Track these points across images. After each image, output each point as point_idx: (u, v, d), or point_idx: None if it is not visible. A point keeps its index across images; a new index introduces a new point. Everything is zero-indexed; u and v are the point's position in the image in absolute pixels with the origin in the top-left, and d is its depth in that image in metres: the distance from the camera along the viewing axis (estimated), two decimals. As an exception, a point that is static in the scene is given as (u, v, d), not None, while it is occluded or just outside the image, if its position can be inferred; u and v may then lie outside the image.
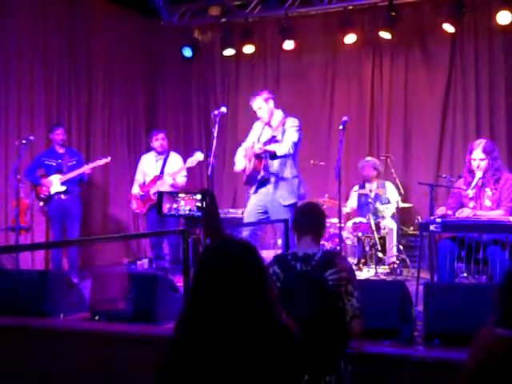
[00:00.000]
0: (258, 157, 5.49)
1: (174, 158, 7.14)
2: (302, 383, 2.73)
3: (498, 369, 1.76)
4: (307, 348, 2.76)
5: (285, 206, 5.47)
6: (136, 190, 7.10)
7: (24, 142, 6.31)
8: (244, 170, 5.70)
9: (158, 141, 7.09)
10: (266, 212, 5.59)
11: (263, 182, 5.55)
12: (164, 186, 6.79)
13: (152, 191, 6.89)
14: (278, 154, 5.44)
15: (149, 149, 7.38)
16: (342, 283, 2.82)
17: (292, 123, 5.58)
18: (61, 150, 6.88)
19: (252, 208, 5.60)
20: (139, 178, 7.18)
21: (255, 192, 5.59)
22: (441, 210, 4.98)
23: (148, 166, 7.15)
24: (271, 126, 5.64)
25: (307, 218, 3.05)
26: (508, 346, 1.78)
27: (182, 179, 6.96)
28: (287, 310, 2.82)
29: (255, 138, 5.68)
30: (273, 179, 5.51)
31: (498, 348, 1.78)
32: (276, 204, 5.49)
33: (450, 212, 4.96)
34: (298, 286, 2.84)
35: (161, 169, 7.03)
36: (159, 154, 7.11)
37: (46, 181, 6.71)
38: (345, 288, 2.82)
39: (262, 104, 5.64)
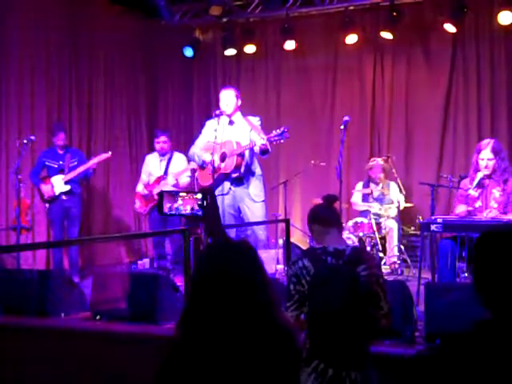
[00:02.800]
0: (239, 154, 5.47)
1: (178, 159, 7.10)
2: (325, 379, 2.71)
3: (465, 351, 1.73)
4: (333, 342, 2.75)
5: (258, 202, 5.56)
6: (140, 188, 7.12)
7: (25, 141, 6.31)
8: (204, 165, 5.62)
9: (159, 144, 7.08)
10: (239, 212, 5.62)
11: (237, 181, 5.55)
12: (167, 186, 6.79)
13: (155, 191, 6.88)
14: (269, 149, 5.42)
15: (152, 149, 7.38)
16: (372, 279, 2.76)
17: (258, 122, 5.65)
18: (61, 151, 6.86)
19: (224, 209, 5.55)
20: (144, 177, 7.17)
21: (227, 193, 5.58)
22: (461, 210, 4.92)
23: (152, 166, 7.14)
24: (232, 123, 5.63)
25: (330, 211, 2.97)
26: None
27: (185, 179, 6.93)
28: (317, 302, 2.80)
29: (218, 136, 5.40)
30: (246, 176, 5.55)
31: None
32: (250, 201, 5.56)
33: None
34: (329, 279, 2.78)
35: (164, 169, 7.02)
36: (162, 155, 7.11)
37: (47, 183, 6.71)
38: (376, 285, 2.78)
39: (232, 98, 5.64)
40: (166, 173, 6.99)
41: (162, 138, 7.08)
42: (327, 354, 2.71)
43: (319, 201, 3.22)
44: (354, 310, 2.73)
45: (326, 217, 2.96)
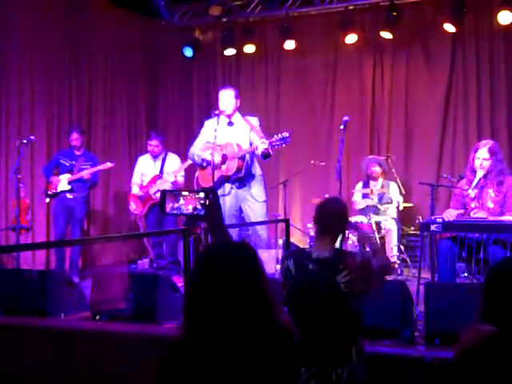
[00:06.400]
0: (241, 157, 5.48)
1: (173, 159, 7.18)
2: (311, 372, 2.74)
3: (479, 364, 1.77)
4: (312, 344, 2.77)
5: (260, 202, 5.58)
6: (136, 190, 7.13)
7: (25, 141, 6.32)
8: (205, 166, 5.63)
9: (151, 147, 7.15)
10: (240, 212, 5.65)
11: (237, 182, 5.55)
12: (165, 184, 6.81)
13: (152, 191, 6.91)
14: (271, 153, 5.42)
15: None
16: (355, 283, 2.79)
17: (257, 122, 5.65)
18: (78, 152, 6.94)
19: (226, 210, 5.53)
20: (136, 179, 7.19)
21: (229, 193, 5.58)
22: (451, 214, 4.80)
23: (145, 166, 7.18)
24: (232, 124, 5.63)
25: (330, 219, 2.94)
26: (489, 341, 1.79)
27: (181, 179, 7.03)
28: (297, 309, 2.83)
29: (217, 136, 5.37)
30: (247, 178, 5.56)
31: (480, 344, 1.80)
32: (252, 201, 5.57)
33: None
34: (307, 289, 2.82)
35: (160, 168, 7.06)
36: (154, 157, 7.16)
37: (55, 179, 6.75)
38: (361, 281, 2.81)
39: (231, 98, 5.64)
40: (161, 171, 7.02)
41: (154, 142, 7.14)
42: (308, 355, 2.75)
43: (318, 201, 3.23)
44: (332, 316, 2.77)
45: (321, 224, 2.96)
